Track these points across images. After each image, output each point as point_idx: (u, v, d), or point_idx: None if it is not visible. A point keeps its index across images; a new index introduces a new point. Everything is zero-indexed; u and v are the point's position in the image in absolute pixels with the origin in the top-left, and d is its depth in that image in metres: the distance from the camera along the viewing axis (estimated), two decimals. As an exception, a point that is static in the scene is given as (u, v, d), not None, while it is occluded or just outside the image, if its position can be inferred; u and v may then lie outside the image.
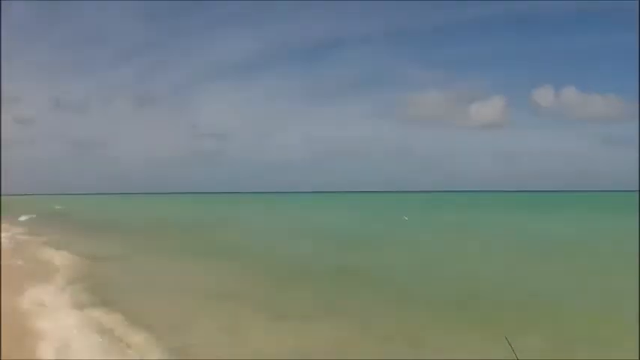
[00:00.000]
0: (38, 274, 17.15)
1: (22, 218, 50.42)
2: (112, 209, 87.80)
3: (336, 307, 12.96)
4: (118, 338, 10.00)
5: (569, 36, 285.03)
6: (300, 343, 9.66)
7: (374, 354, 9.28)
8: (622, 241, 26.52)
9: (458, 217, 55.80)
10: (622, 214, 53.25)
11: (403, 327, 11.09)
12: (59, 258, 20.86)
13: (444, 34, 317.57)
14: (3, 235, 31.68)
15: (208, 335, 10.24)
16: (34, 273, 17.34)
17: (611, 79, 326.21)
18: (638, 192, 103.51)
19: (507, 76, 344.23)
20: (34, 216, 52.72)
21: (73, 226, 42.77)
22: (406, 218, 46.67)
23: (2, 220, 47.41)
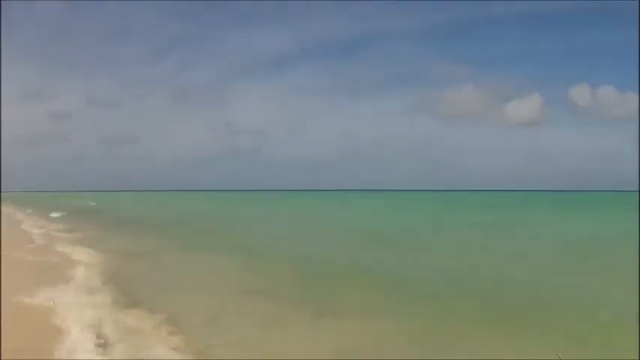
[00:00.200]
0: (67, 270, 17.23)
1: (54, 215, 51.09)
2: (145, 206, 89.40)
3: (372, 306, 12.86)
4: (152, 336, 9.97)
5: (605, 33, 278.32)
6: (339, 342, 9.73)
7: (412, 354, 9.28)
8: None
9: (498, 216, 55.84)
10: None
11: (443, 328, 10.90)
12: (89, 254, 21.06)
13: (479, 30, 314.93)
14: (35, 231, 32.30)
15: (246, 334, 10.27)
16: (62, 269, 17.42)
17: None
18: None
19: (544, 74, 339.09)
20: (66, 213, 53.44)
21: (105, 222, 43.54)
22: None
23: (34, 217, 47.95)
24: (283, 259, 21.19)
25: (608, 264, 20.23)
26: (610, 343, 9.80)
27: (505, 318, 11.74)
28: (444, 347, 9.60)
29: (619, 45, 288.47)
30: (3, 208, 67.51)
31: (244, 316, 11.77)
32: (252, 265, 19.44)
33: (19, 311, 11.44)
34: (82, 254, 21.01)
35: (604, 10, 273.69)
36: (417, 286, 15.62)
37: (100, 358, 8.74)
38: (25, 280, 15.02)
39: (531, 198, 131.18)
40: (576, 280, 16.71)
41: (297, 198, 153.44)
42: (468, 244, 27.04)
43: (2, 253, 20.68)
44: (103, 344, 9.36)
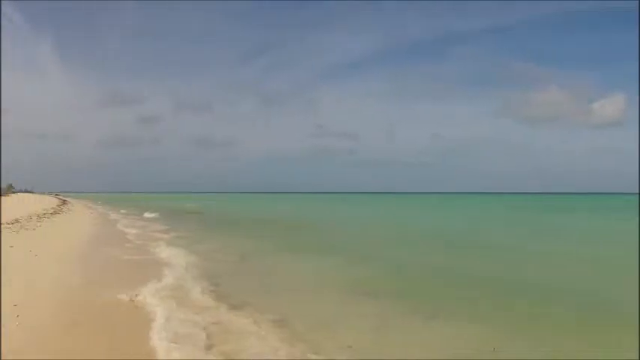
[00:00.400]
0: (164, 270, 17.22)
1: (148, 215, 52.51)
2: (238, 207, 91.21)
3: (481, 309, 12.57)
4: (260, 338, 9.75)
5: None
6: (452, 344, 9.62)
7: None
8: None
9: (600, 222, 53.00)
10: None
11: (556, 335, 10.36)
12: (186, 255, 21.05)
13: (563, 31, 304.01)
14: (131, 230, 32.82)
15: (358, 336, 10.03)
16: (159, 269, 17.42)
17: None
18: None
19: (626, 74, 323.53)
20: (159, 214, 54.44)
21: (200, 223, 44.04)
22: None
23: (129, 217, 48.54)
24: (380, 260, 21.30)
25: None
26: None
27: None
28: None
29: None
30: (99, 208, 68.70)
31: (353, 317, 11.58)
32: (351, 266, 19.42)
33: (121, 308, 11.37)
34: (178, 254, 21.13)
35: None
36: (521, 292, 15.00)
37: (205, 358, 8.63)
38: (126, 277, 15.19)
39: (621, 201, 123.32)
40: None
41: (388, 200, 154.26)
42: (568, 252, 25.08)
43: (101, 251, 21.64)
44: (208, 345, 9.18)
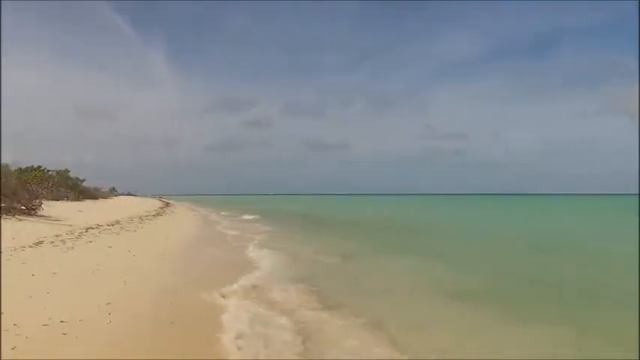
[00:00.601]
0: (260, 270, 17.58)
1: (248, 217, 53.65)
2: (343, 209, 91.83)
3: (574, 312, 12.40)
4: (357, 339, 9.72)
5: None
6: (545, 346, 9.68)
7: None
8: None
9: None
10: None
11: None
12: (283, 256, 21.38)
13: None
14: (230, 232, 33.46)
15: (452, 338, 10.02)
16: (256, 268, 17.81)
17: None
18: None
19: None
20: (259, 216, 55.14)
21: (299, 225, 44.60)
22: None
23: (229, 219, 49.47)
24: (475, 263, 21.47)
25: None
26: None
27: None
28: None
29: None
30: (201, 210, 70.55)
31: (447, 320, 11.50)
32: (445, 269, 19.40)
33: (211, 308, 11.42)
34: (275, 255, 21.45)
35: None
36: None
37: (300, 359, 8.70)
38: (222, 278, 15.33)
39: None
40: None
41: (492, 202, 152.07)
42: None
43: (199, 251, 22.24)
44: (299, 345, 9.24)
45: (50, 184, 52.65)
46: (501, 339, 10.20)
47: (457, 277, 17.41)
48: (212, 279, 15.03)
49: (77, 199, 59.03)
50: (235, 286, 14.18)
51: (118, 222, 32.88)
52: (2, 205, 28.72)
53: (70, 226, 27.26)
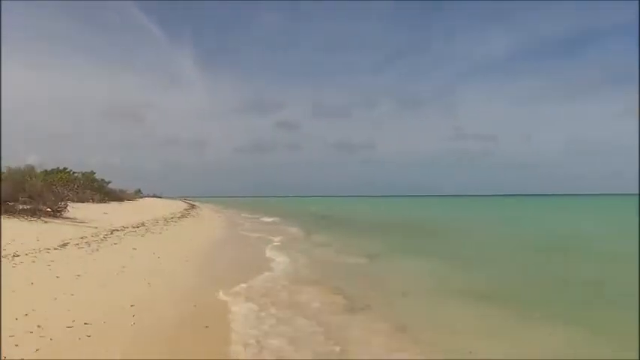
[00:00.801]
0: (276, 271, 17.69)
1: (272, 219, 54.00)
2: (368, 210, 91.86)
3: (601, 314, 12.47)
4: (381, 342, 9.73)
5: None
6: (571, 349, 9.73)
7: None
8: None
9: None
10: None
11: None
12: (301, 257, 21.59)
13: None
14: (253, 234, 33.61)
15: (478, 340, 10.02)
16: (274, 269, 17.88)
17: None
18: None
19: None
20: (285, 218, 55.73)
21: (324, 227, 44.67)
22: None
23: (250, 220, 49.71)
24: (499, 264, 21.58)
25: None
26: None
27: None
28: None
29: None
30: (227, 212, 70.91)
31: (472, 322, 11.53)
32: (469, 270, 19.52)
33: (229, 309, 11.43)
34: (298, 257, 21.67)
35: None
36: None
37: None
38: (248, 277, 15.43)
39: None
40: None
41: (521, 202, 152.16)
42: None
43: (222, 253, 22.43)
44: (328, 346, 9.26)
45: (76, 186, 53.40)
46: (522, 339, 10.22)
47: (478, 278, 17.46)
48: (235, 281, 15.08)
49: (102, 201, 59.69)
50: (258, 288, 14.26)
51: (143, 224, 33.18)
52: (28, 207, 29.22)
53: (95, 228, 27.59)
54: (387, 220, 61.78)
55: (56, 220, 28.98)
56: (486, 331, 10.80)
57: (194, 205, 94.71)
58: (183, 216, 50.11)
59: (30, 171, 38.44)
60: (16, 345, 8.01)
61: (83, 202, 51.01)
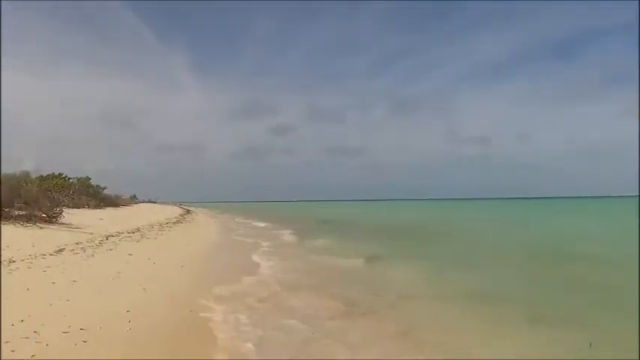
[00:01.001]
0: (268, 276, 17.60)
1: (260, 224, 53.85)
2: (363, 215, 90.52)
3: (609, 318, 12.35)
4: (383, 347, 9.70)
5: None
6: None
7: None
8: None
9: None
10: None
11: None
12: (296, 262, 21.76)
13: None
14: (247, 240, 33.52)
15: (483, 345, 9.96)
16: (271, 276, 17.83)
17: None
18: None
19: None
20: (279, 223, 55.17)
21: (319, 231, 43.53)
22: None
23: (247, 226, 49.80)
24: (499, 267, 21.53)
25: None
26: None
27: None
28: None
29: None
30: (221, 217, 70.91)
31: (476, 326, 11.47)
32: (470, 274, 19.36)
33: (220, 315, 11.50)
34: (294, 262, 21.76)
35: None
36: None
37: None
38: (244, 283, 15.55)
39: None
40: None
41: (519, 205, 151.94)
42: None
43: (215, 259, 22.51)
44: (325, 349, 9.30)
45: (71, 192, 53.39)
46: (526, 342, 10.23)
47: (480, 281, 17.37)
48: (231, 286, 15.12)
49: (98, 206, 59.65)
50: (255, 293, 14.27)
51: (138, 229, 33.19)
52: (24, 213, 29.24)
53: (91, 233, 27.60)
54: (385, 223, 61.41)
55: (52, 226, 28.98)
56: (492, 333, 10.73)
57: (189, 210, 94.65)
58: (178, 221, 50.05)
59: (25, 177, 38.44)
60: (13, 350, 8.06)
61: (79, 207, 50.99)
